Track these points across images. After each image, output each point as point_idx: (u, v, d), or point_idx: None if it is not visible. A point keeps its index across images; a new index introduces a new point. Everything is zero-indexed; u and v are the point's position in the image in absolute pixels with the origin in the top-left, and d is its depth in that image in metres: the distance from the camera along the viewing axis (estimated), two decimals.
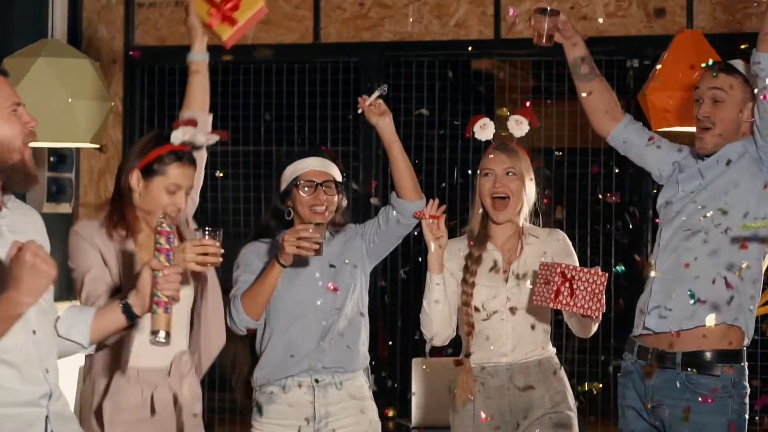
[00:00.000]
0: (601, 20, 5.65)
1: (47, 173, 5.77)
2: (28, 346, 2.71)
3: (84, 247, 3.43)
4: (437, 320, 3.78)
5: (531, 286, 3.74)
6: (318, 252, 3.62)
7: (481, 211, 3.87)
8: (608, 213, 5.81)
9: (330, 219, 3.83)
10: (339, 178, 3.87)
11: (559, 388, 3.80)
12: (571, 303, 3.55)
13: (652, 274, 3.67)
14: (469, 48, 5.85)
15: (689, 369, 3.54)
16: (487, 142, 3.95)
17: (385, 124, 3.84)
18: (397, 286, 5.97)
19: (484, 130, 3.92)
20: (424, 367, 5.56)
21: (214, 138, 3.61)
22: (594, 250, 5.68)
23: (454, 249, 3.84)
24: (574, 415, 3.81)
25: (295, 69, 6.16)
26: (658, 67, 4.85)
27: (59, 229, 5.88)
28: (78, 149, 5.97)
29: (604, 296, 3.57)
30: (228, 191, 6.15)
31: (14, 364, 2.67)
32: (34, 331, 2.73)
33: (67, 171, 5.90)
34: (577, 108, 5.79)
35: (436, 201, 3.76)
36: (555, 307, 3.57)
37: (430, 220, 3.72)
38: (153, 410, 3.44)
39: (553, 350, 3.87)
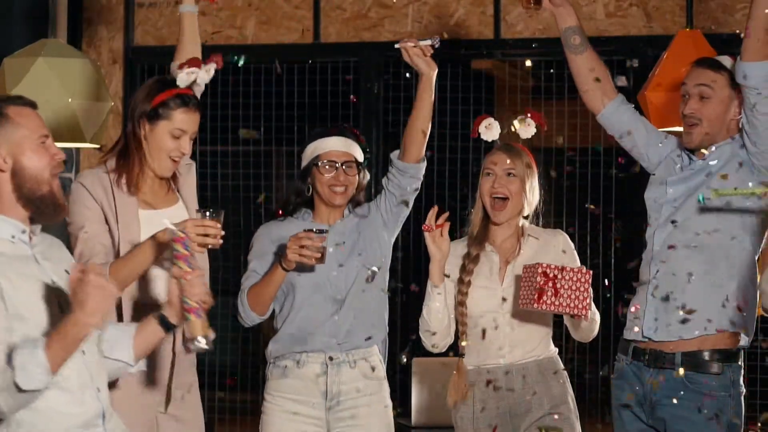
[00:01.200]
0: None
1: None
2: (80, 367, 2.73)
3: (84, 200, 3.46)
4: (437, 328, 3.78)
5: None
6: (321, 260, 3.63)
7: (481, 210, 3.87)
8: (608, 213, 5.80)
9: (350, 198, 3.85)
10: (361, 158, 3.87)
11: (558, 389, 3.77)
12: (556, 303, 3.53)
13: (647, 278, 3.66)
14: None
15: (689, 369, 3.54)
16: (493, 142, 3.93)
17: (428, 71, 3.81)
18: (397, 285, 5.96)
19: (489, 130, 3.90)
20: (424, 367, 5.55)
21: (212, 67, 3.60)
22: (594, 250, 5.68)
23: (453, 252, 3.83)
24: (574, 417, 3.78)
25: (295, 69, 6.15)
26: (658, 67, 4.85)
27: (59, 228, 5.86)
28: (78, 149, 5.97)
29: (590, 294, 3.56)
30: (228, 191, 6.15)
31: (69, 387, 2.69)
32: (83, 352, 2.74)
33: (67, 171, 5.90)
34: (578, 108, 5.81)
35: (435, 208, 3.74)
36: (540, 309, 3.54)
37: (436, 230, 3.71)
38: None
39: (555, 350, 3.85)
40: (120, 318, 3.47)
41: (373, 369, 3.82)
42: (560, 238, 3.86)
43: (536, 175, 3.86)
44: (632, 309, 3.70)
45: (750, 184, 3.52)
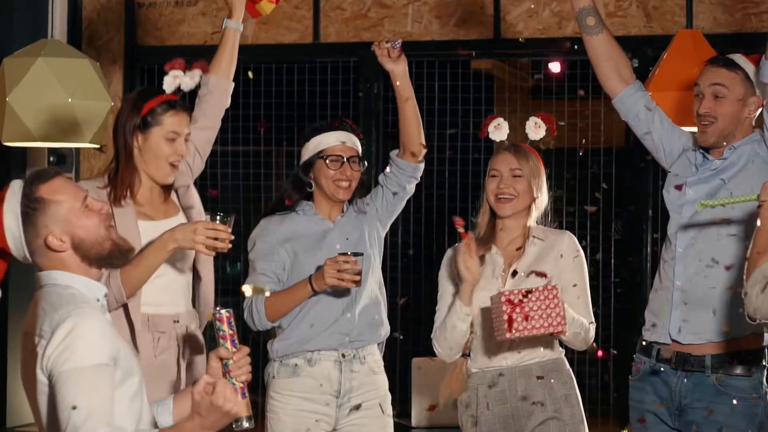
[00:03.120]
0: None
1: None
2: None
3: None
4: (455, 344, 3.76)
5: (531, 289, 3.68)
6: (358, 283, 3.66)
7: (488, 212, 3.83)
8: (608, 212, 5.81)
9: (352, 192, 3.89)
10: (361, 152, 3.91)
11: (562, 391, 3.72)
12: (529, 327, 3.48)
13: (671, 278, 3.62)
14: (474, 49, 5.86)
15: (720, 371, 3.51)
16: (499, 142, 3.89)
17: (399, 71, 3.89)
18: (398, 285, 5.96)
19: (498, 130, 3.86)
20: (424, 367, 5.55)
21: (197, 74, 3.63)
22: (593, 250, 5.68)
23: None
24: (579, 420, 3.72)
25: (295, 69, 6.15)
26: (658, 67, 4.84)
27: None
28: (78, 149, 5.96)
29: (562, 307, 3.50)
30: (228, 191, 6.14)
31: None
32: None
33: (67, 171, 5.90)
34: (577, 108, 5.81)
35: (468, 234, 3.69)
36: (512, 337, 3.50)
37: (467, 250, 3.66)
38: (155, 355, 3.48)
39: (561, 351, 3.79)
40: (132, 330, 3.47)
41: (377, 363, 3.89)
42: (566, 240, 3.79)
43: (543, 175, 3.82)
44: (654, 310, 3.66)
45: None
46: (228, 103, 3.85)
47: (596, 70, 3.80)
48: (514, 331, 3.49)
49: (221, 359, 2.76)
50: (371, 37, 5.98)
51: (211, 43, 5.95)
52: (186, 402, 2.83)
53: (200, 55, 3.92)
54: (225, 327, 2.81)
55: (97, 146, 5.11)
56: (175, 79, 3.55)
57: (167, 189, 3.61)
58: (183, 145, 3.52)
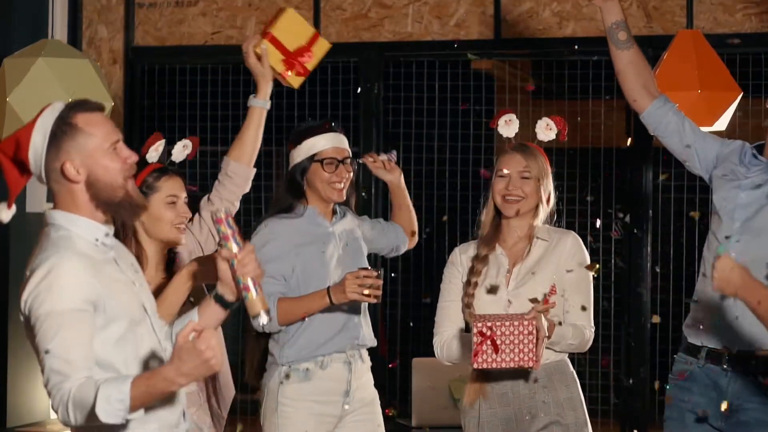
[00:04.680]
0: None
1: None
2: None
3: None
4: (460, 361, 3.78)
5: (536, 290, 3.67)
6: (379, 298, 3.71)
7: (492, 211, 3.79)
8: (608, 213, 5.81)
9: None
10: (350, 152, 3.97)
11: (566, 393, 3.69)
12: (498, 359, 3.45)
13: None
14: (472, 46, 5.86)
15: None
16: (506, 143, 3.87)
17: (395, 180, 4.13)
18: (397, 285, 5.97)
19: (508, 125, 3.80)
20: (424, 367, 5.55)
21: (189, 145, 3.63)
22: (593, 250, 5.68)
23: (464, 253, 3.82)
24: (583, 423, 3.70)
25: None
26: (658, 67, 4.84)
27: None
28: None
29: (536, 341, 3.45)
30: None
31: None
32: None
33: None
34: (577, 108, 5.80)
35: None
36: (478, 368, 3.49)
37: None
38: None
39: (564, 354, 3.74)
40: None
41: (369, 361, 3.98)
42: (570, 241, 3.75)
43: (550, 176, 3.78)
44: (701, 314, 3.60)
45: None
46: (247, 189, 3.80)
47: (623, 84, 3.75)
48: (481, 362, 3.46)
49: (227, 261, 2.74)
50: (371, 37, 5.98)
51: (211, 43, 5.95)
52: (209, 310, 2.81)
53: (200, 55, 3.91)
54: (224, 227, 2.75)
55: None
56: (157, 151, 3.53)
57: (170, 264, 3.56)
58: (184, 207, 3.50)
